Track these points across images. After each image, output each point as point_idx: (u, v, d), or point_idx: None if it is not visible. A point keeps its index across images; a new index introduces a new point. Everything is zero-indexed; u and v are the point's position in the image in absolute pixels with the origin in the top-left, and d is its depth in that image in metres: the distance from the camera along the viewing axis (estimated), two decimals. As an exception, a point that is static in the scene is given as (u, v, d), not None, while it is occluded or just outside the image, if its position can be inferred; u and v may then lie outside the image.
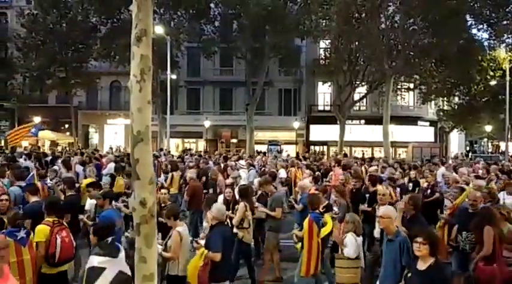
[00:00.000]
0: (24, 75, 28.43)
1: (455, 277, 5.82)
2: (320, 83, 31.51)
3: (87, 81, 28.24)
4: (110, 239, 3.98)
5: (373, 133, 29.32)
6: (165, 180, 10.32)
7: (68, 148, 20.16)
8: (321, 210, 6.00)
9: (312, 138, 32.37)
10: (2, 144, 19.51)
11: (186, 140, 33.09)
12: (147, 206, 1.88)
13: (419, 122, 32.81)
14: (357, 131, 30.59)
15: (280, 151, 24.60)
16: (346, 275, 5.16)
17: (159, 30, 20.67)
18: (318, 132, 32.08)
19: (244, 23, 24.67)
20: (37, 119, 27.09)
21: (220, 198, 7.42)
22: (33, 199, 5.97)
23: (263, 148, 26.51)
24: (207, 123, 30.70)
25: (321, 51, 30.06)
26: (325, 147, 31.55)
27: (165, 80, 23.35)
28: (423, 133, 32.78)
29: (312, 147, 31.81)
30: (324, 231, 5.57)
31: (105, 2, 23.42)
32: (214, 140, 32.72)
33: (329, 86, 30.65)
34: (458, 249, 5.88)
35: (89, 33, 26.12)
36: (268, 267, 6.81)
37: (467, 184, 8.44)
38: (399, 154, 29.60)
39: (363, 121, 31.27)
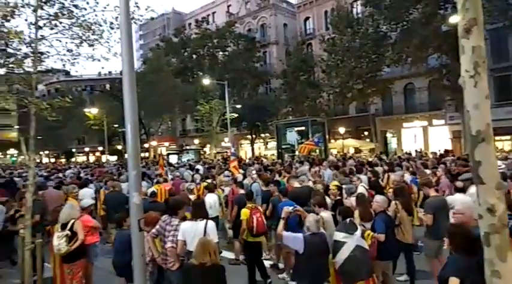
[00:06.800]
0: (328, 92, 32.92)
1: None
2: None
3: (382, 88, 29.59)
4: (348, 220, 4.80)
5: None
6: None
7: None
8: None
9: None
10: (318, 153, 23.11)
11: (497, 138, 28.22)
12: (496, 214, 1.65)
13: None
14: None
15: None
16: None
17: (454, 19, 18.88)
18: None
19: None
20: (341, 130, 30.64)
21: None
22: (241, 191, 8.17)
23: None
24: (525, 115, 25.14)
25: None
26: None
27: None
28: None
29: None
30: None
31: (393, 7, 23.74)
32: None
33: None
34: None
35: (379, 42, 27.28)
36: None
37: None
38: None
39: None
